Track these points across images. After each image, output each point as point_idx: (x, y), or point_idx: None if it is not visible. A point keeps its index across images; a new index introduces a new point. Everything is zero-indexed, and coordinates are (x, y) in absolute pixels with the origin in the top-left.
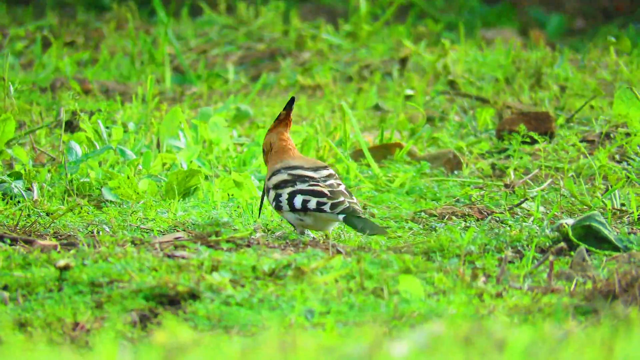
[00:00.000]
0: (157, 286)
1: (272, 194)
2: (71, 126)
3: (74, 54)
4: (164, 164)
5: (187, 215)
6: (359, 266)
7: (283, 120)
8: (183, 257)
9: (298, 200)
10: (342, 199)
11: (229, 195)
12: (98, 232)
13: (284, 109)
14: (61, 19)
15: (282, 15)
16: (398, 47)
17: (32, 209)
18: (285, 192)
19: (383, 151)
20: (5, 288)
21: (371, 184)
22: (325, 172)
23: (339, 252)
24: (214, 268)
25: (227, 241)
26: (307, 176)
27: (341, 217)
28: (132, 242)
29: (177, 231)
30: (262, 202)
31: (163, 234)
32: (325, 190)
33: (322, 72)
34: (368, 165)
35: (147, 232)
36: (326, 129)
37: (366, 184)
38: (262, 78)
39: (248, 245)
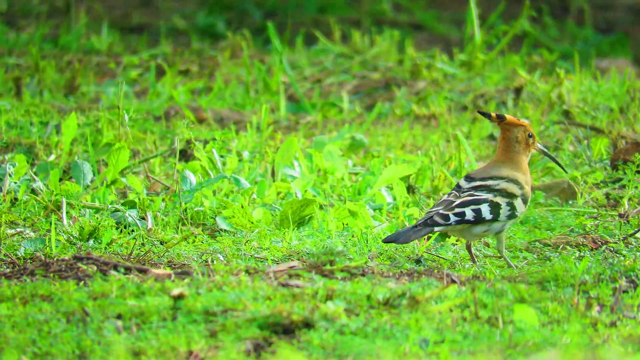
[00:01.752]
0: (271, 315)
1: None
2: (185, 155)
3: (188, 82)
4: (278, 193)
5: (301, 244)
6: (473, 295)
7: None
8: (297, 286)
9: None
10: (459, 210)
11: (343, 224)
12: (212, 261)
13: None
14: (175, 47)
15: (396, 44)
16: (513, 77)
17: (146, 238)
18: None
19: None
20: (119, 317)
21: None
22: (477, 182)
23: (453, 281)
24: (329, 297)
25: (342, 270)
26: (453, 188)
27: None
28: (247, 271)
29: (292, 260)
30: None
31: (277, 263)
32: (441, 208)
33: (437, 102)
34: None
35: (261, 261)
36: (441, 158)
37: None
38: (377, 107)
39: (362, 275)
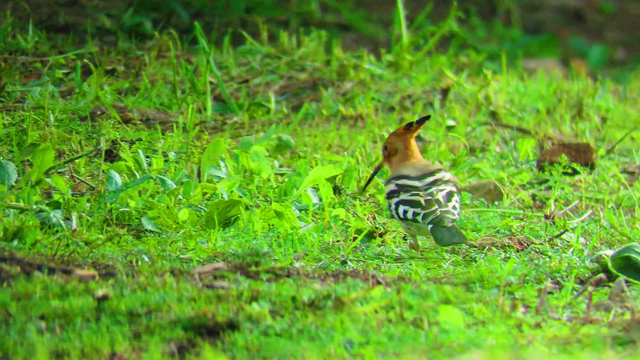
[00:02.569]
0: (195, 316)
1: (386, 202)
2: (111, 155)
3: (114, 82)
4: (204, 194)
5: (227, 245)
6: (399, 297)
7: (413, 131)
8: (222, 288)
9: (401, 211)
10: (435, 207)
11: (269, 225)
12: (137, 262)
13: (417, 122)
14: (102, 47)
15: (324, 44)
16: (440, 78)
17: (70, 239)
18: (392, 203)
19: None
20: (42, 318)
21: None
22: (430, 179)
23: (378, 282)
24: (254, 298)
25: (267, 271)
26: (410, 186)
27: (430, 227)
28: (171, 272)
29: (217, 261)
30: (371, 178)
31: (202, 264)
32: (422, 200)
33: (364, 102)
34: None
35: (186, 262)
36: (367, 159)
37: None
38: (304, 108)
39: (288, 276)
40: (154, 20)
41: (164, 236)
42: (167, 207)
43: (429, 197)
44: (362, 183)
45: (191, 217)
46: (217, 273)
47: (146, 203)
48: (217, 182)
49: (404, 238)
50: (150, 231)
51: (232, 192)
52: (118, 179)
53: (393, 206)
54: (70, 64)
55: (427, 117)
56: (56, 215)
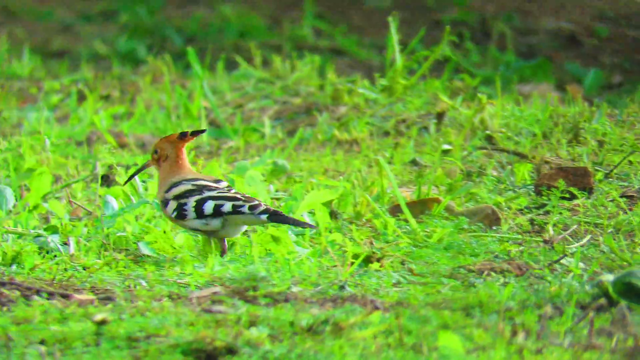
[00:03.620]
0: (194, 341)
1: (173, 204)
2: (107, 180)
3: (110, 107)
4: None
5: (224, 270)
6: (398, 322)
7: (186, 139)
8: (220, 312)
9: (209, 206)
10: (257, 201)
11: (266, 250)
12: (135, 287)
13: (192, 133)
14: (96, 72)
15: (317, 69)
16: (434, 102)
17: (68, 263)
18: (191, 200)
19: (420, 206)
20: (42, 342)
21: (409, 239)
22: (224, 184)
23: (377, 307)
24: (252, 323)
25: (265, 296)
26: (212, 186)
27: (263, 217)
28: (169, 297)
29: (215, 286)
30: (134, 175)
31: (200, 289)
32: (239, 195)
33: (359, 127)
34: (406, 221)
35: (184, 287)
36: (363, 183)
37: (404, 239)
38: (299, 132)
39: (286, 300)
40: (148, 45)
41: (162, 261)
42: (164, 232)
43: (243, 194)
44: (359, 208)
45: (188, 241)
46: (215, 298)
47: (143, 228)
48: None
49: (402, 263)
50: (148, 256)
51: None
52: (114, 203)
53: (190, 204)
54: (65, 89)
55: (203, 131)
56: (54, 240)
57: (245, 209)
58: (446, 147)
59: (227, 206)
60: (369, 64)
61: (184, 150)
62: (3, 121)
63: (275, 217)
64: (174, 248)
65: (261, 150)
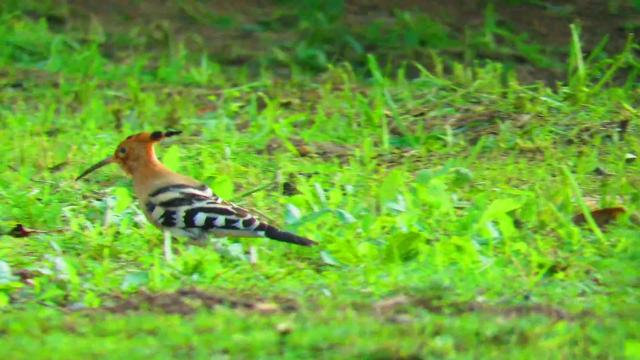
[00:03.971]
0: (378, 350)
1: (159, 210)
2: (288, 188)
3: (290, 115)
4: (383, 227)
5: (407, 279)
6: (583, 332)
7: (156, 139)
8: (404, 322)
9: (200, 218)
10: (249, 215)
11: (450, 259)
12: (318, 296)
13: (166, 134)
14: (276, 80)
15: (499, 77)
16: (618, 110)
17: (250, 272)
18: (180, 210)
19: (605, 216)
20: (225, 352)
21: (594, 248)
22: (209, 191)
23: (562, 317)
24: (436, 332)
25: (449, 305)
26: (200, 196)
27: (260, 233)
28: (353, 306)
29: (398, 295)
30: (90, 170)
31: (384, 298)
32: (229, 207)
33: (542, 135)
34: (590, 230)
35: (367, 297)
36: (547, 192)
37: (589, 248)
38: (481, 141)
39: (470, 310)
40: (328, 52)
41: (344, 270)
42: (347, 241)
43: (233, 205)
44: (543, 217)
45: (371, 250)
46: (399, 307)
47: (325, 237)
48: (396, 215)
49: (587, 272)
50: (330, 265)
51: (411, 225)
52: (296, 212)
53: (180, 214)
54: (244, 96)
55: (179, 132)
56: (235, 249)
57: (240, 225)
58: (630, 155)
59: (220, 220)
60: (551, 72)
61: (153, 149)
62: (182, 128)
63: (272, 233)
64: (357, 257)
65: (443, 159)
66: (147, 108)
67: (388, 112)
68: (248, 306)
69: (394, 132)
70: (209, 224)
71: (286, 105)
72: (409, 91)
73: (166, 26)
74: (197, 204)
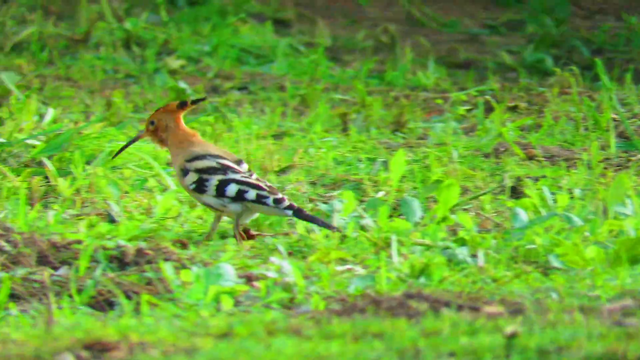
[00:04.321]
0: (605, 354)
1: (193, 176)
2: (515, 192)
3: (517, 119)
4: (610, 231)
5: (635, 283)
6: None
7: (183, 109)
8: (631, 325)
9: (232, 189)
10: (280, 194)
11: None
12: (545, 299)
13: (192, 102)
14: (503, 84)
15: None
16: None
17: (477, 276)
18: (214, 179)
19: None
20: (451, 355)
21: None
22: (245, 166)
23: None
24: None
25: None
26: (235, 169)
27: (288, 212)
28: (580, 310)
29: (626, 299)
30: (125, 147)
31: (610, 302)
32: (262, 184)
33: None
34: None
35: (594, 300)
36: None
37: None
38: None
39: None
40: (555, 56)
41: (571, 273)
42: (574, 244)
43: (265, 183)
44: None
45: (598, 254)
46: (625, 310)
47: (552, 240)
48: (624, 219)
49: None
50: (557, 268)
51: (639, 229)
52: (524, 216)
53: (213, 182)
54: (471, 100)
55: (204, 99)
56: (462, 252)
57: (270, 201)
58: None
59: (251, 194)
60: None
61: (182, 119)
62: (409, 132)
63: (300, 214)
64: (584, 260)
65: None
66: (373, 111)
67: (615, 116)
68: (475, 309)
69: (621, 136)
70: (240, 196)
71: (513, 109)
72: (636, 95)
73: (392, 29)
74: (231, 175)
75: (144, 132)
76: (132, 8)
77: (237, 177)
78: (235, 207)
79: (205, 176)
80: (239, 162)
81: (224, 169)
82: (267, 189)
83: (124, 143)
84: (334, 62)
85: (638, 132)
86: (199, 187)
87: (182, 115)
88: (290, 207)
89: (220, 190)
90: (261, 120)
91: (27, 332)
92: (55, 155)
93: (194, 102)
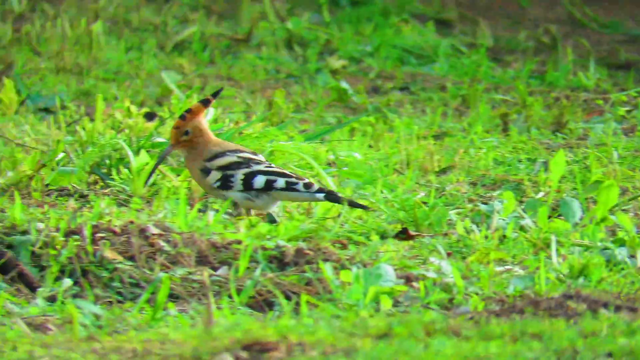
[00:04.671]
0: None
1: (216, 174)
2: None
3: None
4: None
5: None
6: None
7: (208, 105)
8: None
9: (260, 180)
10: (306, 179)
11: None
12: None
13: (213, 95)
14: None
15: None
16: None
17: (636, 276)
18: (239, 173)
19: None
20: (609, 355)
21: None
22: (262, 157)
23: None
24: None
25: None
26: (256, 159)
27: (320, 195)
28: None
29: None
30: (154, 170)
31: None
32: (286, 171)
33: None
34: None
35: None
36: None
37: None
38: None
39: None
40: None
41: None
42: None
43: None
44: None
45: None
46: None
47: None
48: None
49: None
50: None
51: None
52: None
53: (238, 176)
54: (631, 101)
55: (221, 89)
56: (621, 253)
57: (300, 187)
58: None
59: (280, 182)
60: None
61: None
62: (569, 133)
63: (331, 196)
64: None
65: None
66: (534, 112)
67: None
68: (633, 310)
69: None
70: (268, 187)
71: None
72: None
73: (554, 30)
74: (255, 167)
75: (174, 145)
76: (295, 8)
77: (261, 167)
78: (263, 200)
79: (229, 172)
80: (255, 153)
81: (247, 162)
82: (294, 176)
83: (155, 162)
84: (495, 63)
85: None
86: (224, 184)
87: (203, 114)
88: (320, 190)
89: (248, 184)
90: (422, 120)
91: (186, 332)
92: None
93: (214, 95)
